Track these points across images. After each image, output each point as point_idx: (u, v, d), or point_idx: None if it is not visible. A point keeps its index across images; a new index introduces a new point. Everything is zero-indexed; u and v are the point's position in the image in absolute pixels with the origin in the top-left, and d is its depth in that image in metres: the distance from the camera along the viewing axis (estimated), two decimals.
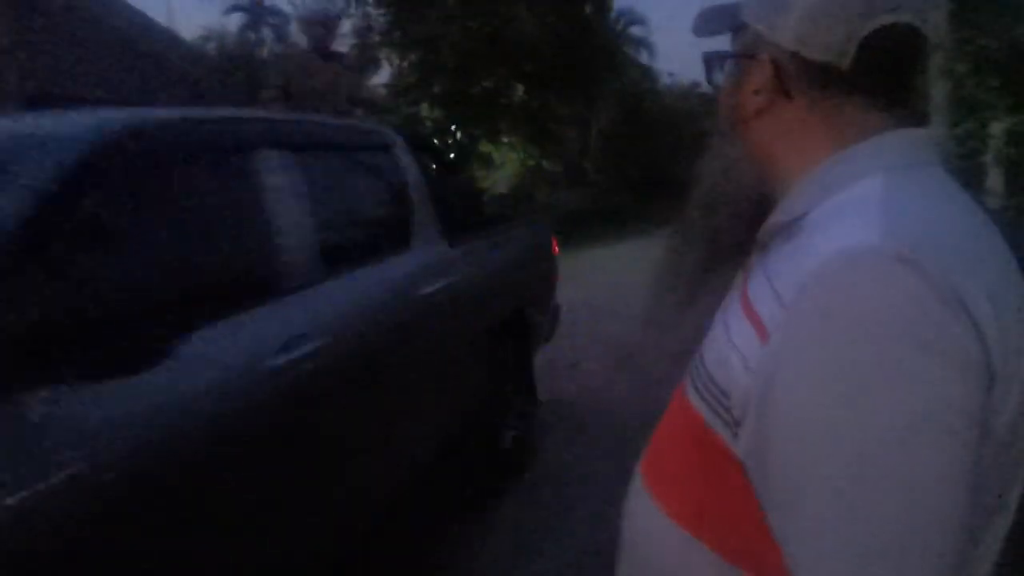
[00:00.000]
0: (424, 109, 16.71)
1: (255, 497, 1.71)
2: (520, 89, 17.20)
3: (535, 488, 3.35)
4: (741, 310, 0.69)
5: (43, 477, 1.19)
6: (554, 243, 4.36)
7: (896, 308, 0.56)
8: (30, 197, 1.39)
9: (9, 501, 1.13)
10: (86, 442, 1.29)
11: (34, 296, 1.31)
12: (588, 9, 17.13)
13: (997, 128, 5.51)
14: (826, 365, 0.57)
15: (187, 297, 1.68)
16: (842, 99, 0.70)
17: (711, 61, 0.80)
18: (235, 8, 23.03)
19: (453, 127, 16.78)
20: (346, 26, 16.36)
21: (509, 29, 14.31)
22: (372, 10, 15.87)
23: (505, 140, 18.46)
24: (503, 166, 20.08)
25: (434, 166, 3.80)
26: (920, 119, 0.73)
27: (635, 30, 23.86)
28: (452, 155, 16.54)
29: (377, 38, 16.09)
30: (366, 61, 16.26)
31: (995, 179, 5.59)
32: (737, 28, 0.77)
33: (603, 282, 7.98)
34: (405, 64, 16.12)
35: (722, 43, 0.79)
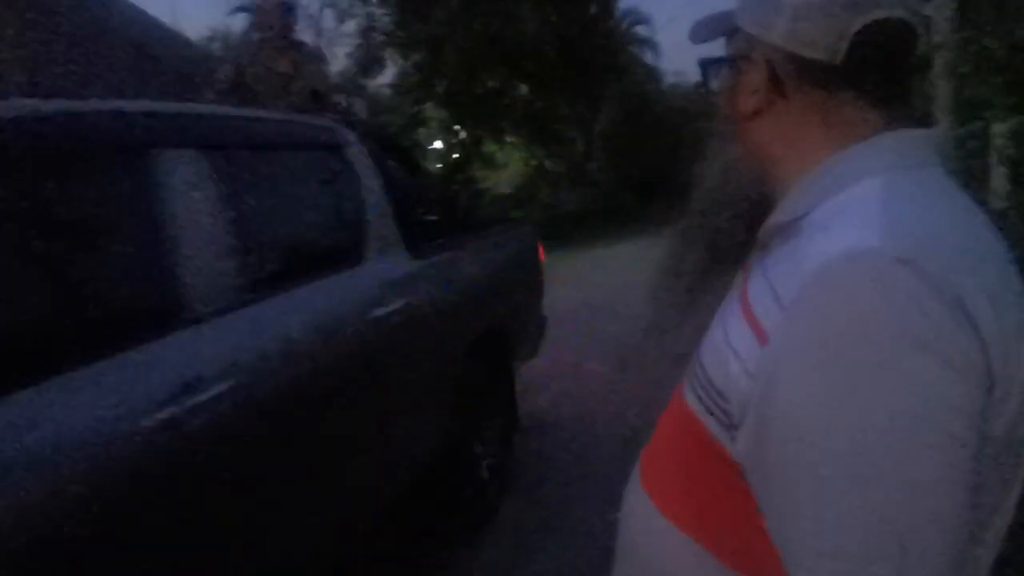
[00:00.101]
0: (428, 109, 16.73)
1: None
2: (524, 89, 17.20)
3: (537, 487, 3.35)
4: (740, 311, 0.69)
5: None
6: (540, 249, 4.03)
7: (895, 309, 0.56)
8: None
9: None
10: None
11: None
12: (593, 9, 17.13)
13: (1000, 128, 5.49)
14: (825, 366, 0.57)
15: (40, 334, 1.34)
16: (838, 97, 0.70)
17: (707, 67, 0.81)
18: (240, 9, 23.07)
19: (457, 127, 16.79)
20: (350, 26, 16.41)
21: (513, 29, 14.32)
22: (376, 10, 15.90)
23: (508, 140, 18.47)
24: (506, 166, 20.09)
25: (400, 168, 3.51)
26: (920, 119, 0.73)
27: (640, 29, 23.86)
28: (456, 155, 16.57)
29: (381, 38, 16.12)
30: (370, 61, 16.29)
31: (999, 179, 5.57)
32: (731, 32, 0.77)
33: (606, 282, 7.97)
34: (409, 64, 16.14)
35: (720, 50, 0.80)
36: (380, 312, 2.29)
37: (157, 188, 1.63)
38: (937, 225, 0.62)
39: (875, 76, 0.69)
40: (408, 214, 2.75)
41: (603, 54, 16.90)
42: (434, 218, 3.60)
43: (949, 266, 0.57)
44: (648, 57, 23.52)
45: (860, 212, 0.63)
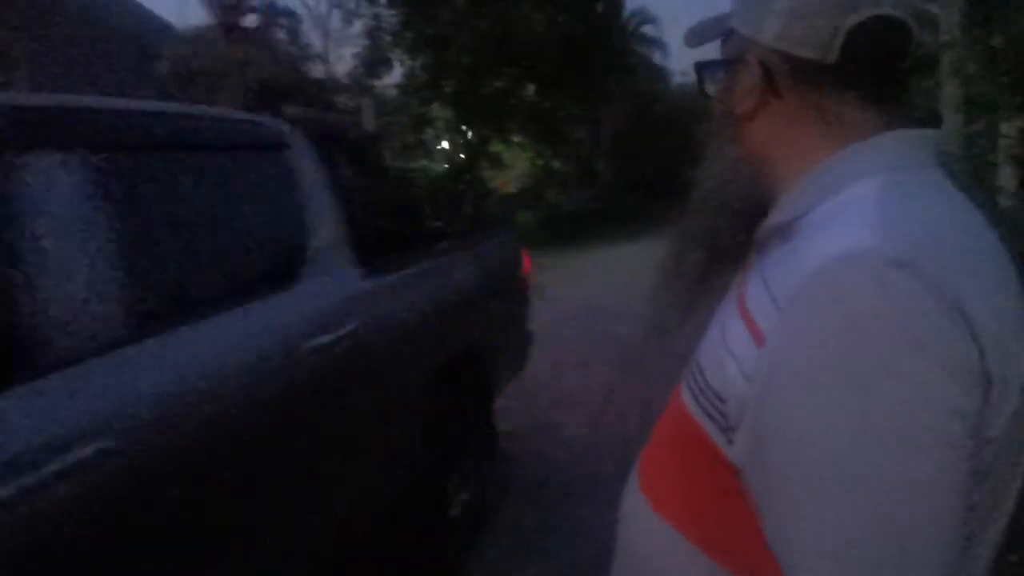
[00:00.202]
0: (435, 109, 16.75)
1: None
2: (531, 89, 17.19)
3: (537, 488, 3.35)
4: (738, 312, 0.69)
5: None
6: (525, 260, 3.70)
7: (893, 311, 0.56)
8: None
9: None
10: None
11: None
12: (600, 8, 17.10)
13: (1008, 128, 5.47)
14: (822, 368, 0.57)
15: None
16: (833, 96, 0.70)
17: (703, 70, 0.81)
18: (248, 9, 23.19)
19: (464, 127, 16.80)
20: (357, 27, 16.45)
21: (520, 29, 14.31)
22: (383, 11, 15.93)
23: (515, 140, 18.46)
24: (513, 166, 20.09)
25: (365, 170, 3.14)
26: (923, 119, 0.73)
27: (648, 29, 23.86)
28: (462, 155, 16.56)
29: (388, 38, 16.14)
30: (377, 61, 16.32)
31: (1006, 178, 5.56)
32: (726, 35, 0.78)
33: (612, 282, 7.98)
34: (417, 64, 16.15)
35: (716, 53, 0.80)
36: (317, 342, 1.92)
37: (10, 199, 1.31)
38: (935, 226, 0.62)
39: (870, 75, 0.69)
40: (366, 224, 2.44)
41: (610, 54, 16.87)
42: (402, 228, 3.20)
43: (947, 267, 0.57)
44: (656, 57, 23.56)
45: (858, 213, 0.63)
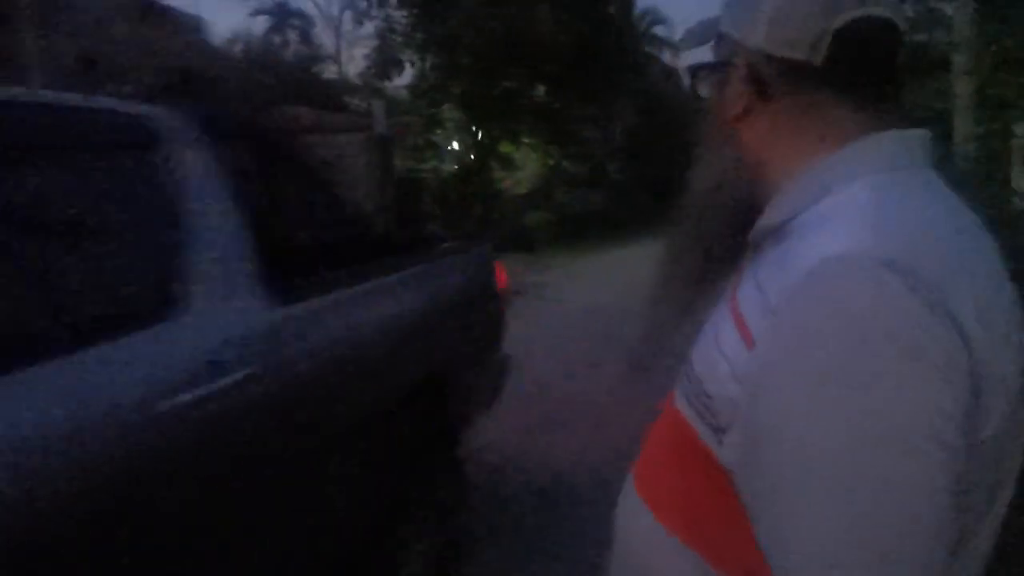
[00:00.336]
0: (445, 110, 16.77)
1: None
2: (541, 90, 17.19)
3: (547, 489, 3.35)
4: (730, 315, 0.69)
5: None
6: (500, 275, 3.19)
7: (881, 314, 0.56)
8: None
9: None
10: None
11: None
12: (611, 9, 17.09)
13: (1022, 128, 5.43)
14: (811, 372, 0.57)
15: None
16: (822, 97, 0.70)
17: (695, 72, 0.81)
18: (260, 11, 23.36)
19: (474, 128, 16.82)
20: (369, 28, 16.51)
21: (530, 30, 14.31)
22: (394, 12, 15.98)
23: (526, 141, 18.47)
24: (524, 167, 20.09)
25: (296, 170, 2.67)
26: (928, 120, 0.73)
27: (658, 30, 23.84)
28: (473, 155, 16.57)
29: (399, 39, 16.19)
30: (388, 63, 16.38)
31: (1020, 178, 5.51)
32: (717, 38, 0.78)
33: (623, 283, 7.95)
34: (427, 65, 16.19)
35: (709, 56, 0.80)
36: (182, 399, 1.43)
37: None
38: (925, 228, 0.62)
39: (859, 76, 0.69)
40: (287, 239, 2.03)
41: (620, 54, 16.85)
42: (343, 242, 2.69)
43: (938, 269, 0.57)
44: (666, 57, 23.51)
45: (847, 215, 0.63)
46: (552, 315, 7.45)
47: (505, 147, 17.92)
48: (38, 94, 1.86)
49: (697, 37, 0.81)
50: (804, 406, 0.58)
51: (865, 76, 0.69)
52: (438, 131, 17.32)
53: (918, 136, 0.70)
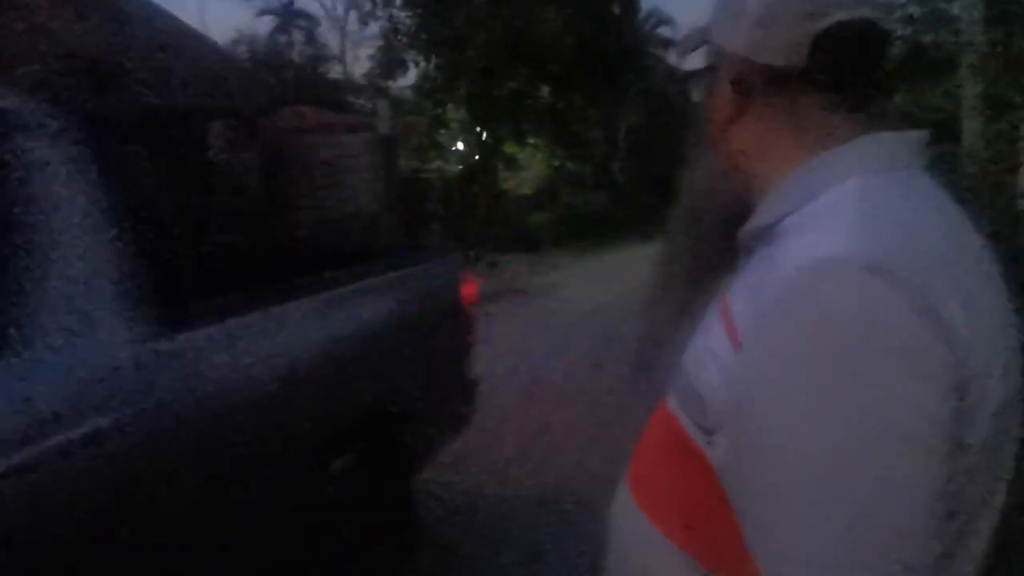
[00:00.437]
0: (450, 111, 16.80)
1: None
2: (545, 90, 17.21)
3: (549, 489, 3.35)
4: (720, 316, 0.69)
5: None
6: (469, 288, 2.79)
7: (867, 318, 0.56)
8: None
9: None
10: None
11: None
12: (616, 10, 17.10)
13: None
14: (797, 375, 0.58)
15: None
16: (807, 101, 0.70)
17: (687, 79, 0.82)
18: (265, 11, 23.45)
19: (478, 128, 16.84)
20: (374, 28, 16.54)
21: (534, 31, 14.33)
22: (398, 12, 16.01)
23: (530, 141, 18.49)
24: (528, 167, 20.12)
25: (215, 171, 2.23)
26: (937, 122, 0.72)
27: (663, 31, 23.85)
28: (477, 156, 16.60)
29: (403, 40, 16.22)
30: (393, 63, 16.41)
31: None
32: (707, 44, 0.78)
33: (628, 284, 7.96)
34: (431, 66, 16.22)
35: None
36: (17, 459, 1.14)
37: None
38: (912, 230, 0.62)
39: (843, 79, 0.69)
40: (190, 250, 1.76)
41: (627, 55, 16.87)
42: (268, 252, 2.34)
43: (922, 273, 0.57)
44: (671, 58, 23.48)
45: (834, 218, 0.63)
46: (556, 315, 7.47)
47: (510, 148, 17.93)
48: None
49: (690, 44, 0.82)
50: (789, 410, 0.58)
51: (849, 79, 0.69)
52: (442, 131, 17.34)
53: (909, 138, 0.70)
